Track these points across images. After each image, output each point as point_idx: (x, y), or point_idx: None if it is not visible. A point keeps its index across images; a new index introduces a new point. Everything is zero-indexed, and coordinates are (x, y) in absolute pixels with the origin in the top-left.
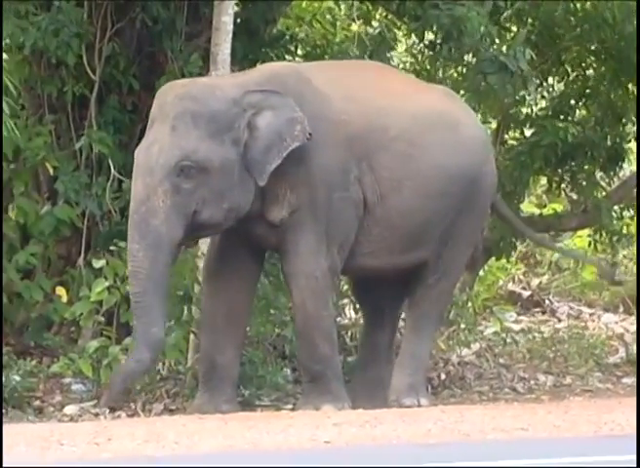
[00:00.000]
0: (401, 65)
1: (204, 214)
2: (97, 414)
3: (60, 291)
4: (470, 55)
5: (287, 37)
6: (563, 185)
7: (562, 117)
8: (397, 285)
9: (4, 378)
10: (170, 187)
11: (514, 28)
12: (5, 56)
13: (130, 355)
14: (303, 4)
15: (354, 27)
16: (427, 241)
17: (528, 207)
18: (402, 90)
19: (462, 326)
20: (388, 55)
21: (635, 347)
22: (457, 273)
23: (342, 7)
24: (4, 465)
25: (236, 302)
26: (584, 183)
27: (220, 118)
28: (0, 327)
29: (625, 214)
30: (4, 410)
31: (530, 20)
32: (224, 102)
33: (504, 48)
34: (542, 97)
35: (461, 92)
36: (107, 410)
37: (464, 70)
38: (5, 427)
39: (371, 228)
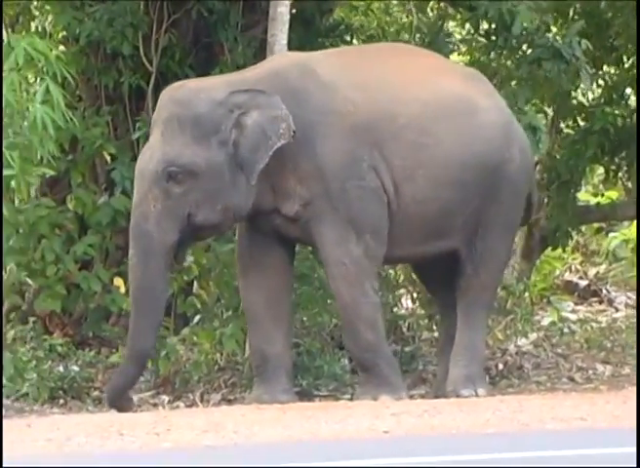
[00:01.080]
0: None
1: (199, 217)
2: (155, 405)
3: (118, 281)
4: (526, 45)
5: (342, 27)
6: (620, 174)
7: (616, 104)
8: (448, 273)
9: (63, 369)
10: (160, 193)
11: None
12: (62, 47)
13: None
14: None
15: (408, 17)
16: (450, 230)
17: (584, 196)
18: (420, 75)
19: (519, 315)
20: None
21: None
22: (497, 262)
23: None
24: (4, 465)
25: (273, 292)
26: None
27: (204, 121)
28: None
29: None
30: (63, 400)
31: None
32: (209, 105)
33: (559, 37)
34: (598, 85)
35: (514, 81)
36: (166, 400)
37: (518, 59)
38: (65, 417)
39: (391, 217)
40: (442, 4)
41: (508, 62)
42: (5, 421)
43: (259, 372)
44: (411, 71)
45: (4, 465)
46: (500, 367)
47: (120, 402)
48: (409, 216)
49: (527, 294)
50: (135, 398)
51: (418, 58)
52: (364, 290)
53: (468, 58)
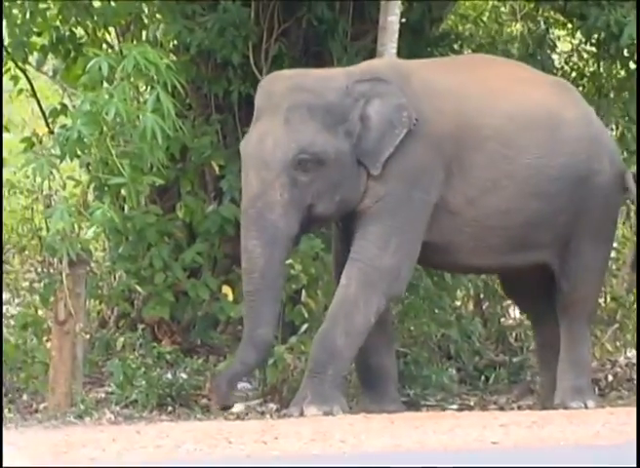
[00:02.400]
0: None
1: (319, 208)
2: (263, 413)
3: (227, 289)
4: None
5: (452, 36)
6: None
7: None
8: (539, 284)
9: (171, 376)
10: (288, 181)
11: None
12: (172, 56)
13: (236, 355)
14: (467, 2)
15: (518, 26)
16: (538, 242)
17: None
18: (507, 87)
19: (629, 327)
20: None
21: None
22: (594, 275)
23: (507, 5)
24: (4, 465)
25: None
26: None
27: (335, 110)
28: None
29: None
30: (171, 407)
31: None
32: (338, 94)
33: None
34: None
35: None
36: (274, 409)
37: (629, 69)
38: (173, 424)
39: (461, 228)
40: (548, 13)
41: (620, 72)
42: (114, 428)
43: (364, 382)
44: (497, 82)
45: (4, 465)
46: (610, 378)
47: (225, 390)
48: (490, 228)
49: (636, 306)
50: (242, 406)
51: (505, 69)
52: (370, 300)
53: (577, 67)
